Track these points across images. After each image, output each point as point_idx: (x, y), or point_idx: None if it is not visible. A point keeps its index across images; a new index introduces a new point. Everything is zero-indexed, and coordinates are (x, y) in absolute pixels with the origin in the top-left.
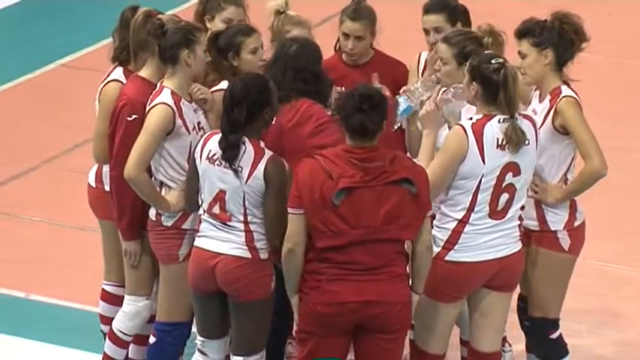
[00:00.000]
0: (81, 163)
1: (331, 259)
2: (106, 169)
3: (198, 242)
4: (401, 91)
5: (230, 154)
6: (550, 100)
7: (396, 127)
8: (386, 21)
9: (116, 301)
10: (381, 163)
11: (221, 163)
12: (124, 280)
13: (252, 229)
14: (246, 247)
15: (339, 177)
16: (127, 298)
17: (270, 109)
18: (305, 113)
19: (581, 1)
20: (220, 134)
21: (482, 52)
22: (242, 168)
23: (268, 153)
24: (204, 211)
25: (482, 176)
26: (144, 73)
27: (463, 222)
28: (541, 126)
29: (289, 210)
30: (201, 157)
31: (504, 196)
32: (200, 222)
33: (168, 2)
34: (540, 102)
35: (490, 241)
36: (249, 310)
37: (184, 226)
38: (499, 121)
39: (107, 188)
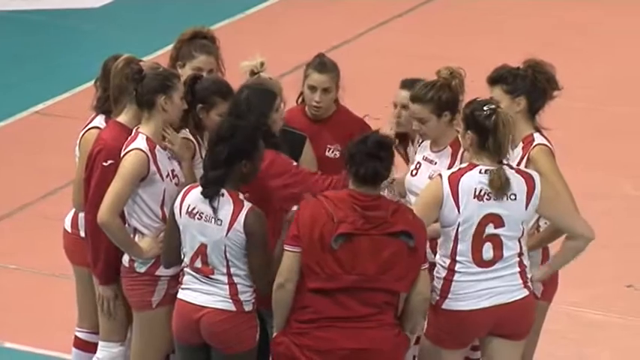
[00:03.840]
0: (55, 211)
1: (321, 304)
2: (82, 214)
3: (182, 295)
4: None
5: (210, 190)
6: (523, 148)
7: None
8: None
9: (89, 347)
10: (383, 213)
11: (201, 217)
12: (97, 326)
13: (235, 281)
14: (230, 300)
15: (341, 221)
16: (100, 344)
17: (250, 163)
18: (272, 166)
19: (554, 47)
20: (199, 187)
21: (475, 100)
22: (222, 220)
23: (247, 204)
24: (187, 265)
25: (459, 225)
26: (122, 118)
27: (451, 270)
28: None
29: (286, 247)
30: (180, 211)
31: (488, 246)
32: (183, 274)
33: (146, 49)
34: (512, 149)
35: (484, 290)
36: None
37: (158, 273)
38: (480, 172)
39: (83, 234)
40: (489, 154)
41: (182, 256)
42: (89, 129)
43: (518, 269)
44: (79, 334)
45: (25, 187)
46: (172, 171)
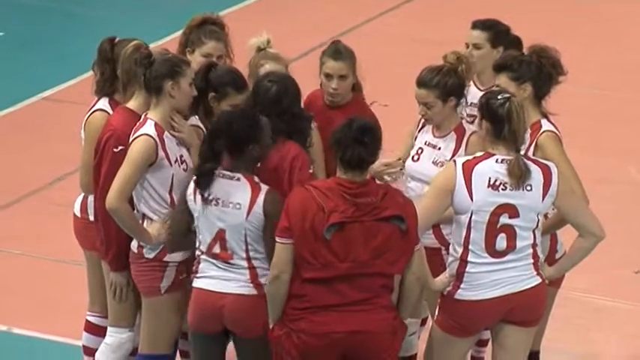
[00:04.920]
0: (62, 197)
1: (317, 293)
2: (91, 198)
3: (199, 283)
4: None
5: (202, 180)
6: (530, 134)
7: None
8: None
9: (100, 332)
10: (373, 199)
11: (218, 203)
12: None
13: (255, 265)
14: (251, 285)
15: (331, 211)
16: (109, 329)
17: (258, 146)
18: (296, 160)
19: (560, 33)
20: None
21: (491, 90)
22: (240, 204)
23: (264, 187)
24: (203, 252)
25: (472, 213)
26: (131, 104)
27: (463, 260)
28: None
29: (277, 239)
30: (195, 199)
31: (502, 236)
32: (199, 262)
33: (153, 35)
34: None
35: (496, 280)
36: (259, 344)
37: (166, 259)
38: (497, 161)
39: (92, 218)
40: (505, 142)
41: (197, 244)
42: (94, 111)
43: (531, 260)
44: (90, 318)
45: (32, 173)
46: (181, 156)
